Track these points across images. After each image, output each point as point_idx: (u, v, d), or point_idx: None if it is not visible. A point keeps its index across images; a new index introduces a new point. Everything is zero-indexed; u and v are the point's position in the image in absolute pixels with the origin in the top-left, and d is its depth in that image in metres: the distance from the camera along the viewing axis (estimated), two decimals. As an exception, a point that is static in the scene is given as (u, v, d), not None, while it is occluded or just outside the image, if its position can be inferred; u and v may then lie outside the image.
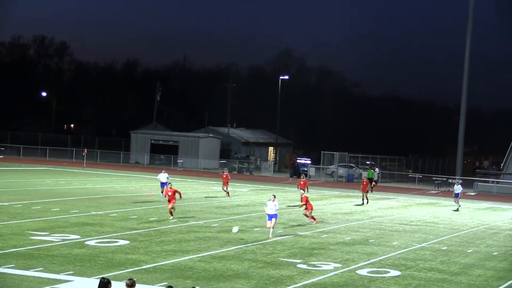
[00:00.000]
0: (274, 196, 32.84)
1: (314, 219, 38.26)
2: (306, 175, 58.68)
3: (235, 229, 30.42)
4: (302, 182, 49.20)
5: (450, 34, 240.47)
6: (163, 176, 46.76)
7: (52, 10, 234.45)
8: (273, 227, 32.19)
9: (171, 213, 36.35)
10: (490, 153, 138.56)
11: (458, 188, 52.68)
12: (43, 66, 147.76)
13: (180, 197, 37.81)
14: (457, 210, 51.06)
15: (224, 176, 51.79)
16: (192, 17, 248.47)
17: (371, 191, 60.39)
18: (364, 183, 52.57)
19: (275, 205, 32.18)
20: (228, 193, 51.36)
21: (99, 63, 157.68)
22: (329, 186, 70.87)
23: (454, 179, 78.97)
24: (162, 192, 44.23)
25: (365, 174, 69.77)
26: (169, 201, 36.53)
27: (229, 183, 52.26)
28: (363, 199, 52.10)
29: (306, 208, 37.71)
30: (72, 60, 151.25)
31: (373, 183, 65.69)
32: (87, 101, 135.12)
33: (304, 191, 45.01)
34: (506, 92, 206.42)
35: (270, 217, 32.09)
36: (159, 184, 47.18)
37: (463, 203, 58.91)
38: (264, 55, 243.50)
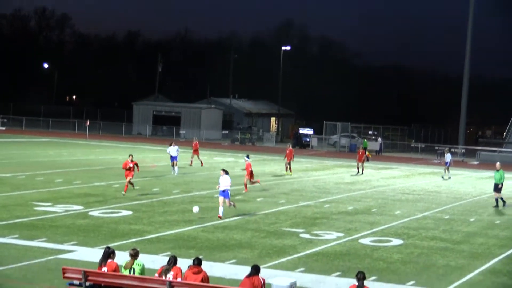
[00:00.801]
0: (224, 171, 28.32)
1: (246, 187, 37.11)
2: (294, 145, 58.29)
3: (195, 209, 26.76)
4: (288, 152, 48.54)
5: (452, 1, 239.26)
6: (173, 150, 44.01)
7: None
8: (229, 205, 28.31)
9: (126, 187, 33.08)
10: (493, 122, 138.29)
11: (448, 157, 52.36)
12: (45, 38, 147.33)
13: (138, 170, 34.14)
14: (443, 178, 50.83)
15: (193, 144, 49.91)
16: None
17: (367, 160, 60.56)
18: (360, 153, 52.35)
19: (226, 181, 27.98)
20: (201, 162, 49.89)
21: (101, 35, 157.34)
22: (332, 156, 70.90)
23: (457, 148, 79.07)
24: (172, 165, 43.30)
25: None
26: (128, 171, 33.16)
27: (199, 152, 50.07)
28: (358, 169, 51.75)
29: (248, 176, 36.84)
30: (73, 32, 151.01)
31: (367, 153, 65.82)
32: (89, 72, 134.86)
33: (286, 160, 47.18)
34: (510, 60, 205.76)
35: (222, 193, 28.07)
36: (169, 157, 44.62)
37: (466, 172, 58.98)
38: (265, 26, 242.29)
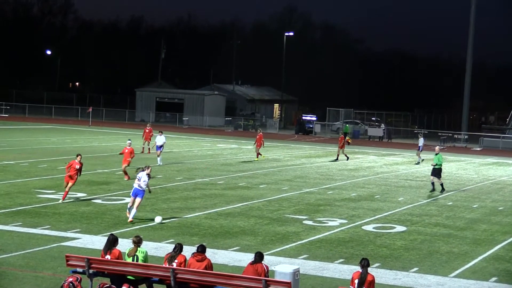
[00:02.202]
0: (145, 169, 24.59)
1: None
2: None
3: (157, 219, 24.11)
4: (258, 137, 47.39)
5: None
6: (160, 139, 42.13)
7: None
8: (136, 208, 24.16)
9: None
10: (496, 108, 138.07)
11: (420, 141, 51.55)
12: (47, 24, 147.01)
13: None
14: (418, 163, 50.27)
15: (147, 130, 47.74)
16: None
17: (348, 144, 61.01)
18: (340, 138, 51.08)
19: (141, 179, 24.31)
20: (148, 149, 47.26)
21: (103, 21, 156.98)
22: (335, 143, 70.70)
23: (460, 134, 79.01)
24: (158, 156, 41.33)
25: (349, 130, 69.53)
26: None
27: (151, 139, 47.62)
28: (338, 155, 50.40)
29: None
30: (76, 18, 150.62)
31: (347, 138, 66.00)
32: (92, 59, 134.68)
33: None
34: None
35: (134, 193, 24.23)
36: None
37: (469, 158, 58.95)
38: (268, 12, 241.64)
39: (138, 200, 24.08)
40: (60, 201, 27.32)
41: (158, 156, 41.62)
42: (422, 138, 52.78)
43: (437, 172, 35.71)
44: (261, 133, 48.49)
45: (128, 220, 23.97)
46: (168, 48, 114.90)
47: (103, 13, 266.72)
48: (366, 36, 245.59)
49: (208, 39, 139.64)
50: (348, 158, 50.50)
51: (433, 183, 36.14)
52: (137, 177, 24.30)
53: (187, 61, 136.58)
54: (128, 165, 33.93)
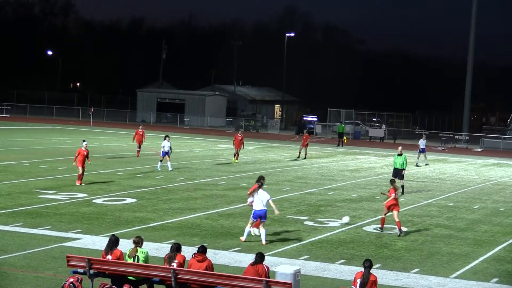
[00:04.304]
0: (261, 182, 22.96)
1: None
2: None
3: (345, 219, 25.30)
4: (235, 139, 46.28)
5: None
6: (167, 144, 39.36)
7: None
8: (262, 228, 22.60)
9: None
10: (497, 109, 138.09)
11: (422, 143, 50.37)
12: (48, 25, 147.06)
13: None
14: (417, 165, 49.66)
15: (140, 133, 45.85)
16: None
17: (342, 145, 64.09)
18: (304, 137, 50.41)
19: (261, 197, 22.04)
20: (299, 154, 49.52)
21: (104, 21, 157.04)
22: (336, 143, 70.83)
23: (461, 135, 78.99)
24: (161, 160, 39.38)
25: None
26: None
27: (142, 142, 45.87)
28: (299, 153, 50.10)
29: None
30: (77, 18, 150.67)
31: (344, 137, 66.22)
32: (93, 59, 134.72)
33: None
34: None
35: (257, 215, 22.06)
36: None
37: (470, 159, 58.93)
38: (269, 13, 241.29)
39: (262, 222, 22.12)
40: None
41: (168, 161, 39.08)
42: (424, 140, 51.52)
43: (401, 174, 34.66)
44: (242, 134, 46.67)
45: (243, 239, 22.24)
46: (169, 48, 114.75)
47: (104, 14, 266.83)
48: (367, 37, 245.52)
49: (209, 39, 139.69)
50: (305, 157, 49.83)
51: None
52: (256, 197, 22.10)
53: (188, 61, 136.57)
54: (83, 169, 32.11)
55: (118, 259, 15.63)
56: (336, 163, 49.34)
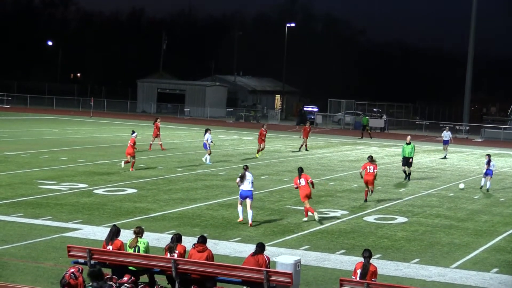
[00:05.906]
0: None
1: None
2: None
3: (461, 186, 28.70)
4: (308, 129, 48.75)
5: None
6: (210, 138, 38.27)
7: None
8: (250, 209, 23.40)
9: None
10: (498, 100, 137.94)
11: (447, 135, 50.25)
12: (49, 15, 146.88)
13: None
14: (445, 157, 49.52)
15: (159, 125, 45.11)
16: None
17: (370, 137, 64.01)
18: (304, 129, 49.79)
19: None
20: (160, 145, 44.55)
21: (105, 12, 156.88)
22: (336, 134, 70.86)
23: (461, 125, 78.93)
24: (208, 154, 38.17)
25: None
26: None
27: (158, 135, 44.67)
28: (301, 145, 49.29)
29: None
30: (78, 9, 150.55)
31: (367, 129, 65.93)
32: (93, 50, 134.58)
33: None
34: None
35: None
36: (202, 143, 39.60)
37: (470, 149, 58.94)
38: (269, 2, 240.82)
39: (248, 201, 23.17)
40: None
41: (207, 154, 38.28)
42: (449, 132, 51.07)
43: (409, 162, 36.24)
44: (266, 128, 44.98)
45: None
46: (169, 39, 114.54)
47: (104, 5, 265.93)
48: (368, 27, 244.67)
49: (210, 30, 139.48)
50: (306, 149, 49.16)
51: (405, 171, 36.58)
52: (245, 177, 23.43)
53: (188, 52, 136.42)
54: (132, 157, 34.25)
55: (119, 249, 15.65)
56: (337, 153, 49.34)
